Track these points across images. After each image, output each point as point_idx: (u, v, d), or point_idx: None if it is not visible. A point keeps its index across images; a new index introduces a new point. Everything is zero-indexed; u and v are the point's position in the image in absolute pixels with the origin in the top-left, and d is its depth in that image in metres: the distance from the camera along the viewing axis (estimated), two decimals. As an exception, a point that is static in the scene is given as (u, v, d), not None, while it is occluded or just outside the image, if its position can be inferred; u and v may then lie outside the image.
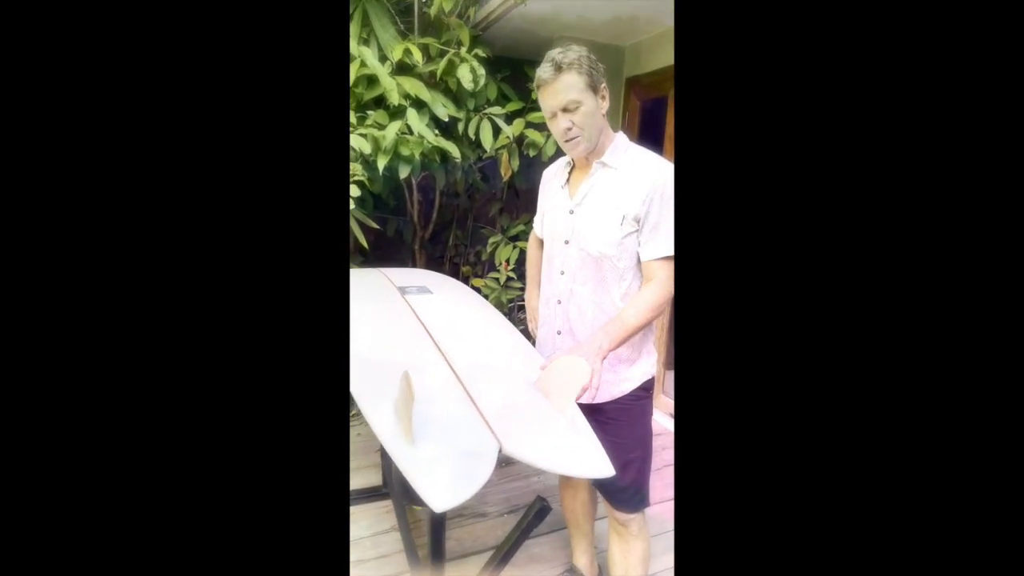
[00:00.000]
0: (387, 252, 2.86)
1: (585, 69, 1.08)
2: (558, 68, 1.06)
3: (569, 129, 1.10)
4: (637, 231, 1.11)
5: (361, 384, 0.95)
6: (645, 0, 2.17)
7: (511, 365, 1.15)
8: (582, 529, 1.56)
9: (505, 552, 1.31)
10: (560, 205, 1.24)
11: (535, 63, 1.14)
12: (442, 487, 0.69)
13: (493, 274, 2.70)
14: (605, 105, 1.13)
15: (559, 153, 2.48)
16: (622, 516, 1.27)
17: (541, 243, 1.47)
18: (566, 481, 1.53)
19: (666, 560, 1.67)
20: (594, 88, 1.10)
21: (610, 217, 1.12)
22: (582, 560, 1.58)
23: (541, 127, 2.43)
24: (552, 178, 1.34)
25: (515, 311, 3.03)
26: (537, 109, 2.41)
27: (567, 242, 1.21)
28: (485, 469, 0.73)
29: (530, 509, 1.25)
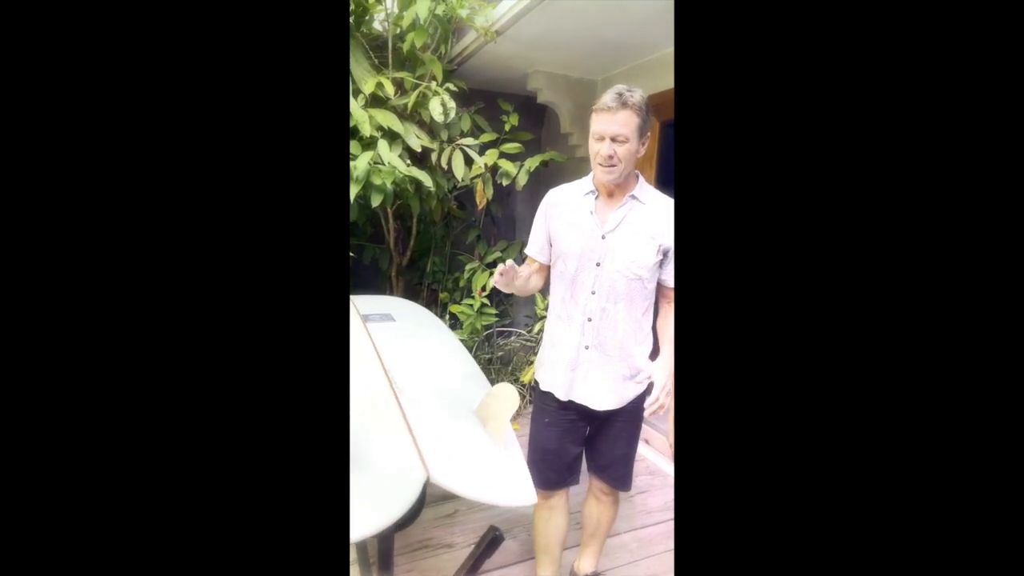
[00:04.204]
0: (364, 280, 2.88)
1: (643, 114, 1.20)
2: (623, 103, 1.17)
3: (611, 156, 1.21)
4: (664, 259, 1.29)
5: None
6: (615, 38, 2.25)
7: (462, 392, 1.16)
8: (551, 555, 1.54)
9: (459, 584, 1.30)
10: (589, 230, 1.30)
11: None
12: (363, 514, 0.70)
13: (467, 300, 2.72)
14: (642, 151, 1.25)
15: (532, 182, 2.55)
16: (608, 489, 1.49)
17: (539, 266, 1.45)
18: (543, 502, 1.51)
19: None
20: (641, 133, 1.22)
21: (647, 245, 1.27)
22: (547, 589, 1.57)
23: (513, 157, 2.49)
24: (563, 203, 1.36)
25: (492, 337, 3.04)
26: (510, 141, 2.49)
27: (599, 264, 1.29)
28: (408, 498, 0.74)
29: (483, 539, 1.25)
